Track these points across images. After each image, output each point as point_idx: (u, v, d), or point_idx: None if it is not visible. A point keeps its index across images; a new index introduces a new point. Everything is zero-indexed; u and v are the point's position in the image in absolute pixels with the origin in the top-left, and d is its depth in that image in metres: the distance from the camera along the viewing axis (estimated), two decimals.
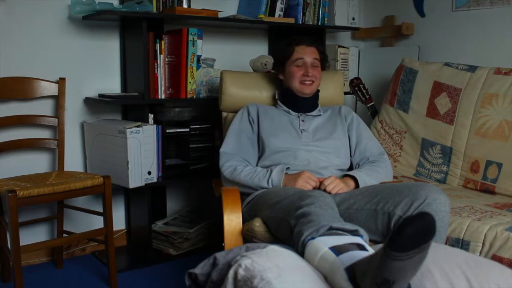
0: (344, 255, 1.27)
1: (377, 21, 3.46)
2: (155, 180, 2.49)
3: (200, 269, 1.39)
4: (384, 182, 2.04)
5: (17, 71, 2.39)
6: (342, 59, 3.24)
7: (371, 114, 2.94)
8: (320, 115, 2.23)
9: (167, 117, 2.62)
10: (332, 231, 1.39)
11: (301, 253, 1.39)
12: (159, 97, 2.57)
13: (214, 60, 2.86)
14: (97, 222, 2.55)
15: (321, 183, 1.92)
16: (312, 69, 2.15)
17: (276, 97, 2.29)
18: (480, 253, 1.84)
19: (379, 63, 3.33)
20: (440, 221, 1.60)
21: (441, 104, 2.64)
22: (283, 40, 2.30)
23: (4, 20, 2.36)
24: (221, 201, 1.81)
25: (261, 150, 2.13)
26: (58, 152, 2.43)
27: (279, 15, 2.97)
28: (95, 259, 2.62)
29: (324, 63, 2.27)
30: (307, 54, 2.17)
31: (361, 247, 1.32)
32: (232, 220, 1.76)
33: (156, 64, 2.54)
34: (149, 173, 2.46)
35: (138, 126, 2.38)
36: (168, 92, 2.61)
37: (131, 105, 2.67)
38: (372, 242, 1.70)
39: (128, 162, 2.35)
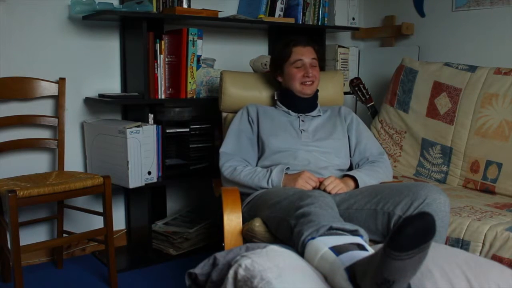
0: (344, 255, 1.27)
1: (377, 21, 3.46)
2: (155, 180, 2.49)
3: (200, 269, 1.39)
4: (384, 182, 2.04)
5: (17, 71, 2.39)
6: (342, 59, 3.24)
7: (371, 114, 2.94)
8: (319, 115, 2.23)
9: (167, 117, 2.62)
10: (332, 231, 1.39)
11: (301, 253, 1.39)
12: (159, 97, 2.57)
13: (214, 60, 2.86)
14: (97, 222, 2.55)
15: (321, 183, 1.92)
16: (311, 69, 2.15)
17: (275, 98, 2.29)
18: (480, 253, 1.84)
19: (379, 63, 3.33)
20: (440, 221, 1.60)
21: (441, 104, 2.64)
22: (279, 43, 2.29)
23: (4, 20, 2.36)
24: (221, 201, 1.81)
25: (261, 150, 2.13)
26: (58, 152, 2.43)
27: (279, 15, 2.97)
28: (95, 259, 2.62)
29: (322, 61, 2.27)
30: (305, 55, 2.17)
31: (361, 247, 1.32)
32: (232, 220, 1.76)
33: (156, 64, 2.54)
34: (149, 173, 2.46)
35: (138, 126, 2.38)
36: (168, 92, 2.61)
37: (131, 105, 2.67)
38: (372, 242, 1.70)
39: (128, 162, 2.35)
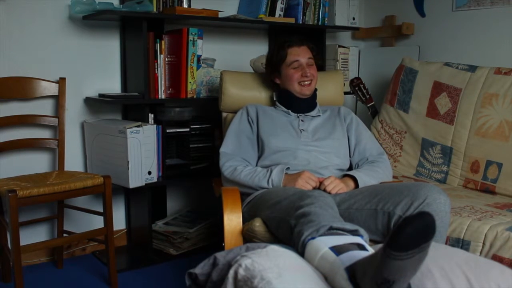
0: (344, 255, 1.27)
1: (377, 21, 3.46)
2: (155, 180, 2.49)
3: (200, 269, 1.39)
4: (384, 182, 2.04)
5: (17, 71, 2.39)
6: (342, 59, 3.24)
7: (371, 114, 2.94)
8: (319, 115, 2.23)
9: (167, 117, 2.62)
10: (332, 231, 1.39)
11: (301, 253, 1.39)
12: (159, 97, 2.57)
13: (214, 60, 2.86)
14: (97, 222, 2.55)
15: (321, 183, 1.92)
16: (308, 68, 2.16)
17: (274, 99, 2.29)
18: (481, 253, 1.84)
19: (379, 63, 3.33)
20: (440, 221, 1.60)
21: (441, 104, 2.64)
22: (274, 45, 2.28)
23: (4, 20, 2.36)
24: (221, 201, 1.81)
25: (260, 150, 2.13)
26: (58, 152, 2.43)
27: (279, 15, 2.97)
28: (95, 259, 2.62)
29: (319, 59, 2.27)
30: (301, 55, 2.17)
31: (361, 247, 1.32)
32: (232, 220, 1.76)
33: (156, 64, 2.54)
34: (149, 173, 2.46)
35: (138, 126, 2.38)
36: (168, 92, 2.61)
37: (131, 105, 2.67)
38: (372, 242, 1.70)
39: (128, 162, 2.35)
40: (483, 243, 1.83)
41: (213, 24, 2.83)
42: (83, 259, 2.62)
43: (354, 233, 1.41)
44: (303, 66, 2.16)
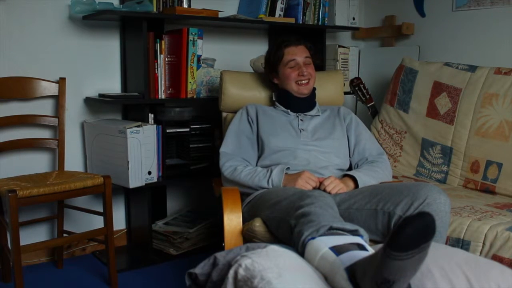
0: (344, 255, 1.27)
1: (377, 21, 3.46)
2: (155, 180, 2.49)
3: (200, 269, 1.39)
4: (384, 182, 2.04)
5: (17, 71, 2.39)
6: (342, 59, 3.24)
7: (371, 114, 2.94)
8: (318, 115, 2.23)
9: (167, 117, 2.62)
10: (332, 231, 1.39)
11: (301, 253, 1.39)
12: (159, 97, 2.57)
13: (214, 60, 2.86)
14: (97, 222, 2.55)
15: (321, 183, 1.92)
16: (306, 67, 2.15)
17: (274, 99, 2.29)
18: (481, 253, 1.84)
19: (379, 63, 3.33)
20: (440, 221, 1.60)
21: (441, 104, 2.64)
22: (271, 45, 2.29)
23: (4, 20, 2.36)
24: (221, 201, 1.81)
25: (260, 149, 2.13)
26: (58, 152, 2.43)
27: (279, 15, 2.97)
28: (95, 259, 2.62)
29: (316, 58, 2.27)
30: (298, 54, 2.17)
31: (361, 247, 1.32)
32: (232, 220, 1.76)
33: (156, 64, 2.54)
34: (149, 173, 2.46)
35: (138, 126, 2.38)
36: (168, 92, 2.61)
37: (131, 105, 2.67)
38: (372, 242, 1.70)
39: (128, 162, 2.35)
40: (483, 243, 1.83)
41: (213, 24, 2.83)
42: (83, 259, 2.62)
43: (354, 233, 1.41)
44: (300, 65, 2.16)
